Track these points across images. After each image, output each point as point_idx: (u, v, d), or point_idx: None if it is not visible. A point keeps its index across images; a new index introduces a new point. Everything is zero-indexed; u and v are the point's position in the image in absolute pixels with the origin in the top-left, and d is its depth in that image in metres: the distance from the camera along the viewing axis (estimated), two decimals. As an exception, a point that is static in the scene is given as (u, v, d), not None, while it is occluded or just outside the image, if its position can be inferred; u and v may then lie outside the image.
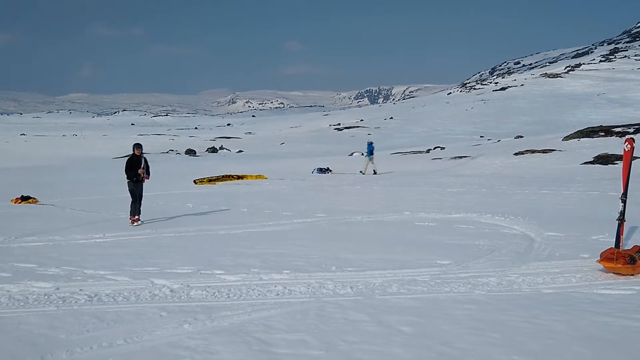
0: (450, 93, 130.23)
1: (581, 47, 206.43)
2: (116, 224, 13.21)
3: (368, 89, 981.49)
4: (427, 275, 8.01)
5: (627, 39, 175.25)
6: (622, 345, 5.21)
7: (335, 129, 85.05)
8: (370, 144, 29.48)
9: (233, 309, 6.42)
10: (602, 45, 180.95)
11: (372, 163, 28.92)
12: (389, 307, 6.46)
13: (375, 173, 28.39)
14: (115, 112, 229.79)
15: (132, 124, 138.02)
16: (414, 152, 45.50)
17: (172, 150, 57.69)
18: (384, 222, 13.26)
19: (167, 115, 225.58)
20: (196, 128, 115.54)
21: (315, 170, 30.94)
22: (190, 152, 53.44)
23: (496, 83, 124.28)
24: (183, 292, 7.22)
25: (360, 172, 29.17)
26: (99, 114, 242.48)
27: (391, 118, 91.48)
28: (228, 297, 6.99)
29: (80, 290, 7.24)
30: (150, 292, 7.18)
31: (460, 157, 35.38)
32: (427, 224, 12.90)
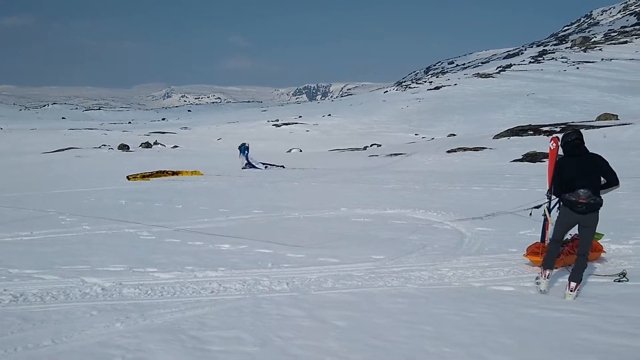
0: (387, 91, 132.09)
1: (512, 48, 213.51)
2: (45, 221, 12.74)
3: (306, 85, 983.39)
4: (362, 270, 8.13)
5: (555, 42, 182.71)
6: (544, 335, 5.46)
7: (273, 125, 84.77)
8: (243, 145, 31.48)
9: (166, 307, 6.33)
10: (532, 47, 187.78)
11: (241, 160, 31.24)
12: (324, 302, 6.52)
13: (243, 168, 30.65)
14: (45, 105, 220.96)
15: (63, 118, 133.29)
16: (352, 149, 45.99)
17: (104, 145, 56.02)
18: (321, 218, 13.34)
19: (99, 109, 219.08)
20: (130, 122, 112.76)
21: (247, 165, 30.78)
22: (124, 147, 52.10)
23: (431, 82, 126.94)
24: (115, 290, 7.05)
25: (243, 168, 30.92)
26: (26, 107, 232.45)
27: (329, 115, 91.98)
28: (161, 295, 6.88)
29: (5, 290, 6.94)
30: (80, 291, 6.97)
31: (396, 155, 36.01)
32: (362, 219, 13.07)
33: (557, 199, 7.31)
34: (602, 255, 8.67)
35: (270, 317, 6.01)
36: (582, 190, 6.71)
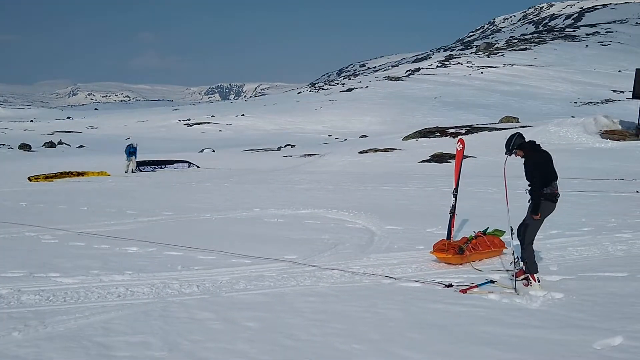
0: (301, 92, 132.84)
1: (420, 53, 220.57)
2: None
3: (219, 84, 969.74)
4: (274, 270, 8.12)
5: (460, 47, 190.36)
6: (450, 329, 5.66)
7: (185, 124, 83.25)
8: (129, 146, 29.30)
9: (69, 313, 6.05)
10: (439, 51, 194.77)
11: (132, 163, 28.93)
12: (236, 304, 6.46)
13: (133, 172, 28.44)
14: None
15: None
16: (266, 150, 45.87)
17: (3, 144, 52.95)
18: (234, 219, 13.22)
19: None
20: (32, 121, 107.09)
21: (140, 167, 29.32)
22: (25, 146, 49.46)
23: (343, 84, 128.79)
24: (12, 297, 6.67)
25: (125, 172, 28.56)
26: None
27: (243, 115, 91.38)
28: (64, 300, 6.57)
29: None
30: (-27, 299, 6.55)
31: (310, 155, 36.28)
32: (276, 220, 13.06)
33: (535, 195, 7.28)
34: (504, 251, 9.08)
35: (179, 320, 5.88)
36: (555, 182, 7.27)
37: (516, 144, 7.35)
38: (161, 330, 5.56)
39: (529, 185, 7.30)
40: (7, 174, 26.17)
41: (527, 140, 7.42)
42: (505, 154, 7.49)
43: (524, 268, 7.43)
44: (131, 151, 28.84)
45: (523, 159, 7.41)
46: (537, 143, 7.49)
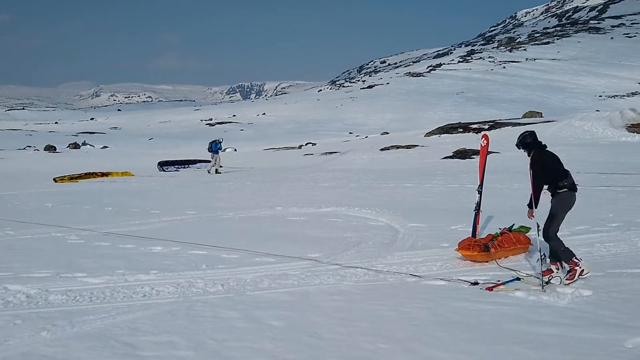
0: (321, 90, 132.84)
1: (441, 48, 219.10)
2: (-37, 227, 12.08)
3: (240, 84, 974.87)
4: (298, 268, 8.10)
5: (482, 42, 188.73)
6: (476, 327, 5.58)
7: (207, 124, 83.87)
8: (214, 142, 27.49)
9: (96, 313, 6.10)
10: (460, 46, 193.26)
11: (217, 160, 27.31)
12: (260, 303, 6.46)
13: (217, 172, 26.89)
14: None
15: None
16: (287, 148, 45.96)
17: (29, 146, 53.78)
18: (257, 218, 13.24)
19: (23, 108, 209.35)
20: (56, 122, 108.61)
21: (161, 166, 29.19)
22: (50, 148, 50.17)
23: (364, 81, 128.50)
24: (41, 297, 6.74)
25: (208, 172, 27.32)
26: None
27: (264, 114, 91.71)
28: (91, 300, 6.62)
29: None
30: (2, 299, 6.62)
31: (331, 153, 36.24)
32: (298, 218, 13.05)
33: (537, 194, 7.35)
34: (530, 247, 8.95)
35: (204, 319, 5.89)
36: (569, 173, 7.33)
37: (521, 143, 7.46)
38: (187, 330, 5.57)
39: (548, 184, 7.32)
40: (33, 175, 26.57)
41: (538, 140, 7.46)
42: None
43: (551, 267, 7.36)
44: (218, 148, 27.09)
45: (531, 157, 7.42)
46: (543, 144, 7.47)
